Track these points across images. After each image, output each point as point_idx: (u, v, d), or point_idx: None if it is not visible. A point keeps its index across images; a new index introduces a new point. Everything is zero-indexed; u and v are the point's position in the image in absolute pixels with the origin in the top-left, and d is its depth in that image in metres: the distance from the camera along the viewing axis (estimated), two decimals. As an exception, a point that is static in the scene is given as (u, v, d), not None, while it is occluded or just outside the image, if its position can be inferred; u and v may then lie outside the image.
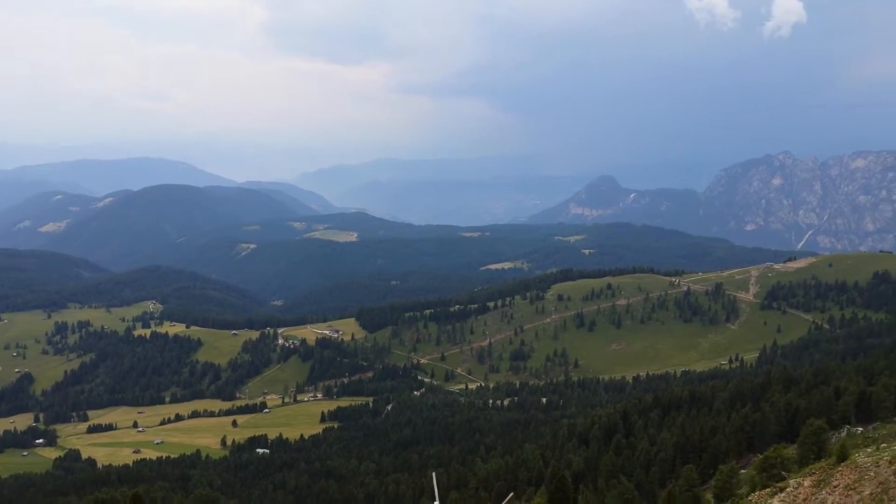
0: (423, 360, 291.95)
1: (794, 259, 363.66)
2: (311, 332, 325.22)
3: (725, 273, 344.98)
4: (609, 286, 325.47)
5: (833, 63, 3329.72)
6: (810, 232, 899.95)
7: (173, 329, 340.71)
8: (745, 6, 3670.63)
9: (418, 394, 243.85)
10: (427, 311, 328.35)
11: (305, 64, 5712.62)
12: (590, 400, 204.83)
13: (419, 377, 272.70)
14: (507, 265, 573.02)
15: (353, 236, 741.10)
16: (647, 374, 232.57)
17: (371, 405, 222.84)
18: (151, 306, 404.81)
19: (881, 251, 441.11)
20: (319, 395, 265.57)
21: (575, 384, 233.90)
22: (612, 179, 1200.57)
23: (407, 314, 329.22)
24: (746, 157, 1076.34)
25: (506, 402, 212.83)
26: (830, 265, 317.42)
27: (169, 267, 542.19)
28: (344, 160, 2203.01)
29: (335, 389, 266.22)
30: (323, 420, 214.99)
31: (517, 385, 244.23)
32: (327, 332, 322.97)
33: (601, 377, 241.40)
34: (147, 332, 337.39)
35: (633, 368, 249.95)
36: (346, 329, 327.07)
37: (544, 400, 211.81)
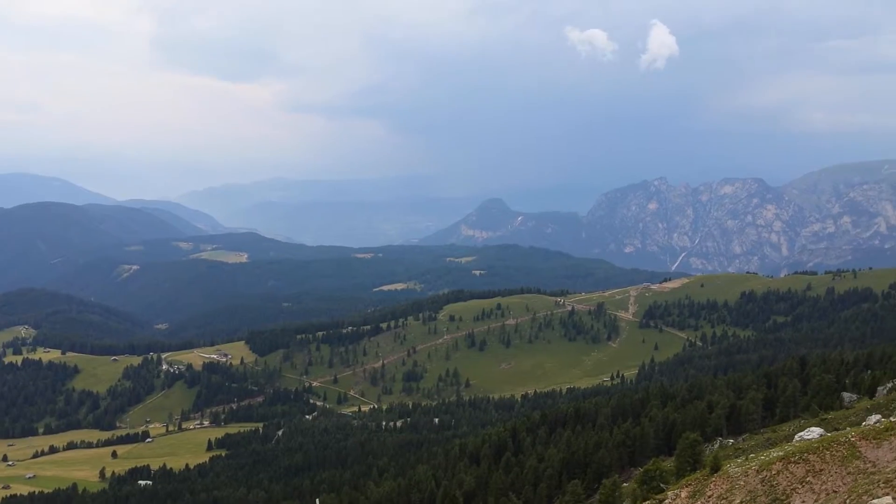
0: (315, 383, 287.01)
1: (669, 280, 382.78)
2: (197, 357, 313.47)
3: (607, 293, 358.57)
4: (499, 306, 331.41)
5: (704, 94, 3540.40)
6: (684, 254, 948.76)
7: (47, 356, 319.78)
8: (622, 39, 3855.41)
9: (310, 418, 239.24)
10: (320, 333, 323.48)
11: (194, 80, 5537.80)
12: (481, 419, 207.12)
13: (311, 401, 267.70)
14: (400, 286, 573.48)
15: (243, 257, 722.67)
16: (535, 391, 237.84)
17: (261, 431, 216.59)
18: (23, 331, 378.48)
19: (747, 272, 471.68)
20: (206, 423, 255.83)
21: (466, 403, 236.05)
22: (502, 202, 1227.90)
23: (299, 336, 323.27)
24: (625, 183, 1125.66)
25: (399, 424, 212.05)
26: (702, 285, 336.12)
27: (43, 289, 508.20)
28: (235, 179, 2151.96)
29: (223, 416, 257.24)
30: (210, 448, 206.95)
31: (410, 406, 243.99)
32: (215, 357, 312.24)
33: (492, 396, 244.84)
34: (18, 359, 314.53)
35: (522, 386, 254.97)
36: (236, 353, 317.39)
37: (437, 420, 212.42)
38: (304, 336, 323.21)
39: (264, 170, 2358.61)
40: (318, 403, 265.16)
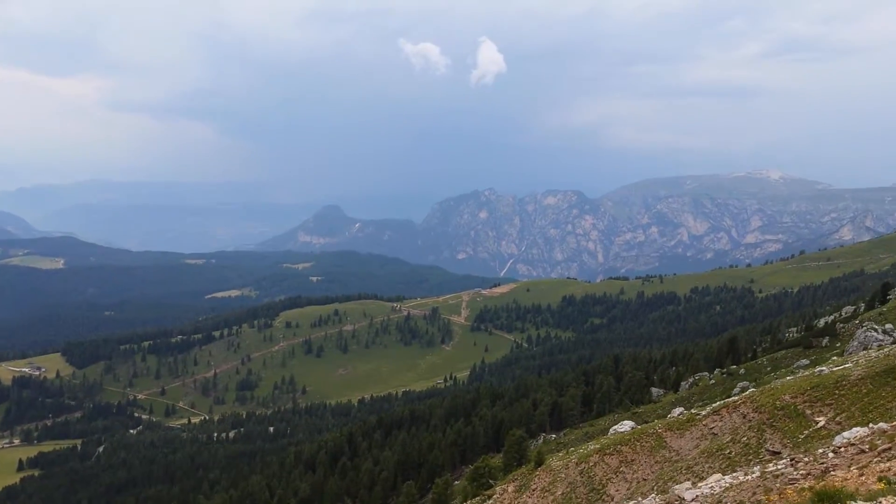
0: (141, 396, 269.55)
1: (499, 285, 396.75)
2: (6, 371, 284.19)
3: (441, 298, 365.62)
4: (336, 312, 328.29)
5: (530, 111, 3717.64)
6: (511, 260, 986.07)
7: None
8: (454, 54, 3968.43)
9: (135, 432, 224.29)
10: (146, 343, 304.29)
11: (4, 72, 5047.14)
12: (317, 425, 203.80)
13: (136, 414, 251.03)
14: (234, 293, 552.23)
15: (59, 263, 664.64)
16: (372, 396, 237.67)
17: (80, 448, 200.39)
18: None
19: (568, 278, 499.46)
20: (17, 441, 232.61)
21: (303, 411, 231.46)
22: (339, 209, 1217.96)
23: (123, 347, 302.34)
24: (458, 192, 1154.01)
25: (232, 435, 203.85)
26: (528, 290, 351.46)
27: None
28: (50, 179, 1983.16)
29: (36, 433, 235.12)
30: (21, 468, 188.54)
31: (244, 416, 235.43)
32: (27, 370, 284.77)
33: (329, 402, 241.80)
34: None
35: (359, 391, 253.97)
36: (50, 365, 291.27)
37: (272, 429, 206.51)
38: (128, 346, 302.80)
39: (84, 170, 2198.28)
40: (144, 417, 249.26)
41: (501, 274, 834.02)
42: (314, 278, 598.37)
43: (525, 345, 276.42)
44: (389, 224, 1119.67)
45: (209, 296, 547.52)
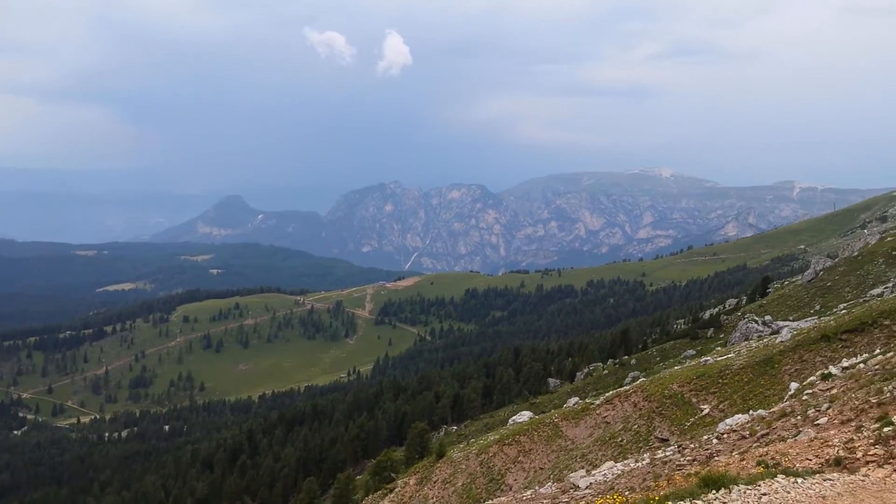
0: (25, 395, 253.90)
1: (403, 278, 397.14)
2: None
3: (345, 292, 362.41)
4: (237, 306, 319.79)
5: (436, 104, 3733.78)
6: (416, 254, 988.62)
7: None
8: (360, 44, 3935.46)
9: (19, 433, 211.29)
10: (32, 339, 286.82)
11: None
12: (216, 423, 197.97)
13: (21, 414, 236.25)
14: (128, 286, 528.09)
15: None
16: (274, 391, 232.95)
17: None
18: None
19: (471, 271, 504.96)
20: None
21: (200, 408, 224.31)
22: (241, 200, 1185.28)
23: (6, 343, 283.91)
24: (364, 185, 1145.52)
25: (124, 434, 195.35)
26: (432, 283, 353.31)
27: None
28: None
29: None
30: None
31: (138, 414, 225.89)
32: None
33: (228, 399, 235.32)
34: None
35: (261, 387, 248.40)
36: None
37: (167, 427, 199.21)
38: (12, 342, 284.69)
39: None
40: (30, 417, 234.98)
41: (406, 267, 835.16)
42: (214, 271, 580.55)
43: (428, 338, 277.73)
44: (293, 216, 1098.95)
45: (101, 289, 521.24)
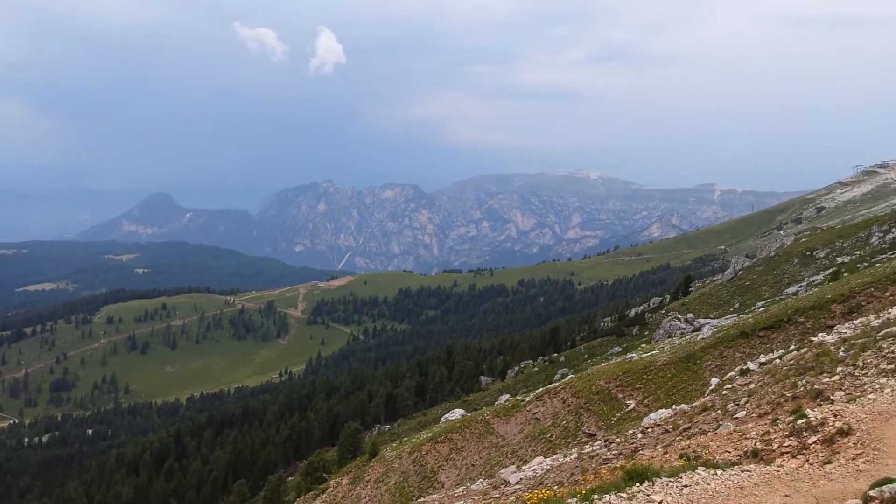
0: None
1: (336, 278, 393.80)
2: None
3: (277, 291, 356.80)
4: (164, 306, 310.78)
5: (369, 103, 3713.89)
6: (349, 253, 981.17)
7: None
8: (292, 41, 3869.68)
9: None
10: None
11: None
12: (142, 426, 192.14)
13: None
14: (49, 286, 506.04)
15: None
16: (203, 393, 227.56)
17: None
18: None
19: (405, 271, 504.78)
20: None
21: (126, 411, 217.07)
22: (169, 197, 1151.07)
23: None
24: (297, 183, 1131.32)
25: (45, 439, 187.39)
26: (365, 283, 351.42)
27: None
28: None
29: None
30: None
31: (59, 418, 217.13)
32: None
33: (155, 401, 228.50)
34: None
35: (189, 389, 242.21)
36: None
37: (91, 431, 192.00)
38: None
39: None
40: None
41: (339, 266, 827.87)
42: (140, 270, 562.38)
43: (362, 337, 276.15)
44: (223, 214, 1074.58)
45: (20, 289, 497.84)
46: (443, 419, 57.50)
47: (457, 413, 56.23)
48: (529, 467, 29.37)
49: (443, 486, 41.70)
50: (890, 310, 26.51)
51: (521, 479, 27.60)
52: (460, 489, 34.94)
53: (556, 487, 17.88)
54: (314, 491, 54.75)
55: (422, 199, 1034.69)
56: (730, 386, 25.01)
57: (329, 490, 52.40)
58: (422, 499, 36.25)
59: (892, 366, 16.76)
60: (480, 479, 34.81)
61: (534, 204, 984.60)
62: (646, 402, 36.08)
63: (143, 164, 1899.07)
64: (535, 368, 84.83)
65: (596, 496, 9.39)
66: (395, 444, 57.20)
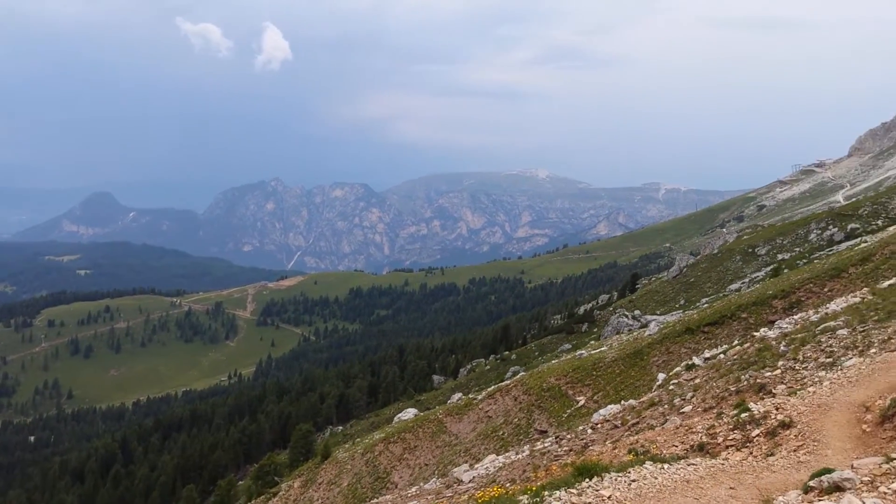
0: None
1: (286, 278, 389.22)
2: None
3: (225, 292, 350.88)
4: (108, 309, 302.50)
5: (318, 101, 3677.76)
6: (299, 253, 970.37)
7: None
8: (237, 37, 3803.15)
9: None
10: None
11: None
12: (86, 432, 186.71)
13: None
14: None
15: None
16: (149, 397, 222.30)
17: None
18: None
19: (355, 270, 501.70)
20: None
21: (69, 417, 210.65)
22: (111, 196, 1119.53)
23: None
24: (244, 182, 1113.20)
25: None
26: (316, 283, 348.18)
27: None
28: None
29: None
30: None
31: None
32: None
33: (99, 406, 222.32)
34: None
35: (135, 393, 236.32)
36: None
37: (32, 438, 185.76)
38: None
39: None
40: None
41: (289, 266, 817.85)
42: (82, 272, 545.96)
43: (313, 338, 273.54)
44: (168, 213, 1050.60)
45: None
46: (396, 419, 57.42)
47: (409, 413, 56.22)
48: (482, 465, 29.59)
49: (396, 487, 41.67)
50: (828, 305, 27.51)
51: (473, 477, 27.79)
52: (413, 489, 34.98)
53: (508, 485, 18.08)
54: (265, 494, 54.11)
55: (372, 198, 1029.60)
56: (676, 381, 25.62)
57: (281, 493, 51.86)
58: (375, 500, 36.16)
59: (831, 359, 17.39)
60: (434, 479, 34.90)
61: (484, 203, 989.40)
62: (595, 398, 36.67)
63: (83, 163, 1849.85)
64: (487, 367, 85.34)
65: (546, 493, 9.54)
66: (347, 446, 56.89)
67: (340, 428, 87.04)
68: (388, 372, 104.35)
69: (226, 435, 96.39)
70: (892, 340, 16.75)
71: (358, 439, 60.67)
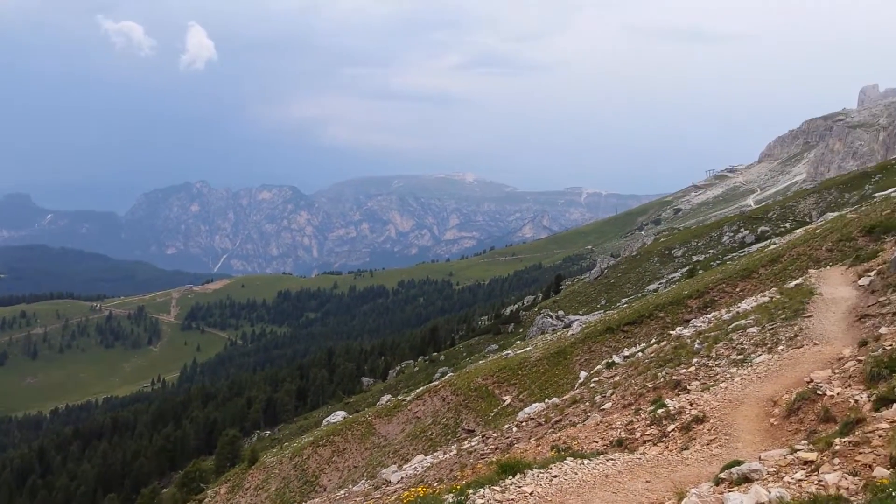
0: None
1: (212, 281, 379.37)
2: None
3: (148, 296, 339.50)
4: (23, 314, 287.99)
5: (245, 102, 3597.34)
6: (225, 256, 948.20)
7: None
8: (161, 35, 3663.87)
9: None
10: None
11: None
12: (1, 442, 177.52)
13: None
14: None
15: None
16: (68, 405, 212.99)
17: None
18: None
19: (284, 273, 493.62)
20: None
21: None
22: (26, 198, 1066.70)
23: None
24: (168, 183, 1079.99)
25: None
26: (243, 286, 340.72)
27: None
28: None
29: None
30: None
31: None
32: None
33: (15, 415, 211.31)
34: None
35: (53, 401, 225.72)
36: None
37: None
38: None
39: None
40: None
41: (215, 270, 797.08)
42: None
43: (240, 342, 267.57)
44: (88, 216, 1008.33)
45: None
46: (325, 422, 56.84)
47: (339, 415, 55.74)
48: (410, 466, 29.55)
49: (325, 490, 41.20)
50: (739, 304, 28.62)
51: (402, 478, 27.72)
52: (342, 491, 34.64)
53: (435, 484, 18.10)
54: (191, 502, 52.70)
55: (300, 200, 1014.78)
56: (597, 379, 26.20)
57: (206, 500, 50.54)
58: (303, 503, 35.63)
59: (742, 356, 18.08)
60: (363, 481, 34.65)
61: (412, 206, 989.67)
62: (521, 396, 37.13)
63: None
64: (416, 368, 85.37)
65: (471, 490, 9.58)
66: (275, 450, 55.98)
67: (268, 432, 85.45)
68: (317, 375, 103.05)
69: (149, 442, 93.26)
70: (798, 338, 17.53)
71: (286, 443, 59.73)
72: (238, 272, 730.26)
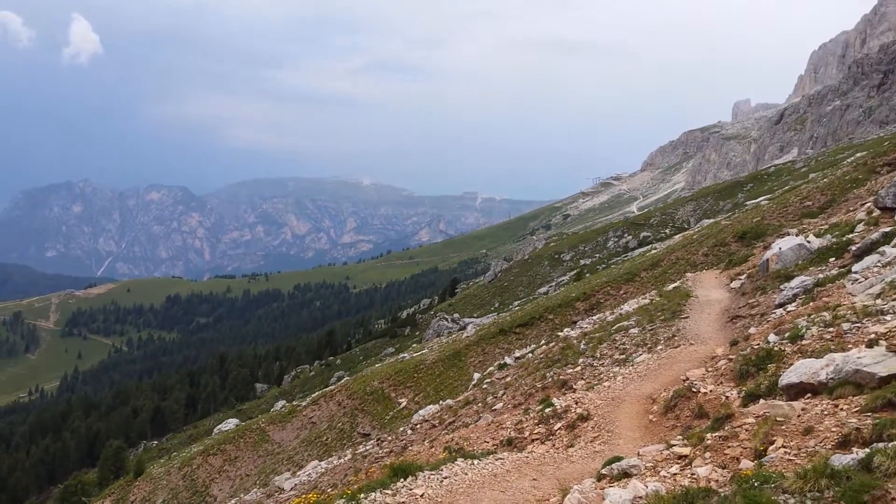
0: None
1: (95, 285, 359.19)
2: None
3: (25, 301, 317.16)
4: None
5: (133, 99, 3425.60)
6: (110, 259, 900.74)
7: None
8: (41, 27, 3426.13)
9: None
10: None
11: None
12: None
13: None
14: None
15: None
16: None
17: None
18: None
19: (173, 276, 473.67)
20: None
21: None
22: None
23: None
24: (47, 182, 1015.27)
25: None
26: (129, 290, 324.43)
27: None
28: None
29: None
30: None
31: None
32: None
33: None
34: None
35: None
36: None
37: None
38: None
39: None
40: None
41: (99, 273, 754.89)
42: None
43: (125, 349, 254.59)
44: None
45: None
46: (216, 430, 55.10)
47: (231, 423, 54.18)
48: (304, 472, 29.06)
49: (216, 500, 39.88)
50: (622, 306, 29.84)
51: (295, 484, 27.22)
52: (233, 501, 33.65)
53: (329, 490, 17.86)
54: (69, 517, 49.71)
55: (192, 201, 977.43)
56: (489, 380, 26.64)
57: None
58: (192, 515, 34.28)
59: (624, 356, 18.84)
60: (255, 489, 33.77)
61: (309, 208, 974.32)
62: (417, 399, 37.22)
63: None
64: (312, 373, 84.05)
65: (362, 495, 9.50)
66: (163, 461, 53.78)
67: (156, 442, 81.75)
68: (209, 382, 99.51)
69: (26, 455, 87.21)
70: (676, 338, 18.42)
71: (175, 453, 57.43)
72: (124, 276, 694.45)
